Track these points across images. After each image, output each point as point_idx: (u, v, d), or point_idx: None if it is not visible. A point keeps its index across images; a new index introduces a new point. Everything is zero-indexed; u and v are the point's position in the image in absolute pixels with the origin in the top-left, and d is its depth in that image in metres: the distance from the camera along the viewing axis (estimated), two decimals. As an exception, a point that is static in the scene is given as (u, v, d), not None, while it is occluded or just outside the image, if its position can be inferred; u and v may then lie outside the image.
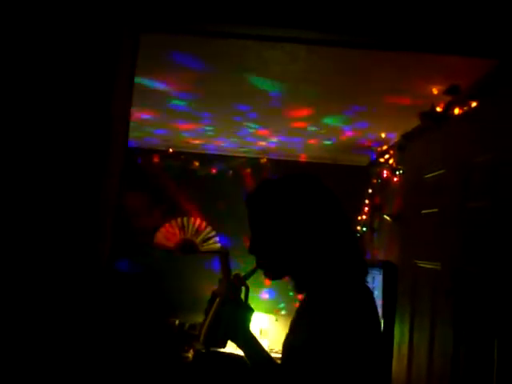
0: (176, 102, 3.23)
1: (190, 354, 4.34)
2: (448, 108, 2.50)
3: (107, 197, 1.59)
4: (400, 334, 2.42)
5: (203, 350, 4.44)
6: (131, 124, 3.73)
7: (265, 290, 5.03)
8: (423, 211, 2.24)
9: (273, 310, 4.95)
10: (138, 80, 2.72)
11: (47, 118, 1.53)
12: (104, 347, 1.55)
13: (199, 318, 4.57)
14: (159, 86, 2.90)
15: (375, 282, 3.47)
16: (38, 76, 1.54)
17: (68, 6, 1.57)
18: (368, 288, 1.21)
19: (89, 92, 1.56)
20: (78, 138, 1.53)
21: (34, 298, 1.47)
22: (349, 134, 3.77)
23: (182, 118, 3.71)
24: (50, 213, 1.50)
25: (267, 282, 4.92)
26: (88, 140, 1.54)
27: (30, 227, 1.49)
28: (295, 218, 1.21)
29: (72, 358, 1.46)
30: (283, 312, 4.96)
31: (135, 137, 4.38)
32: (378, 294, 3.34)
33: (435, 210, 2.13)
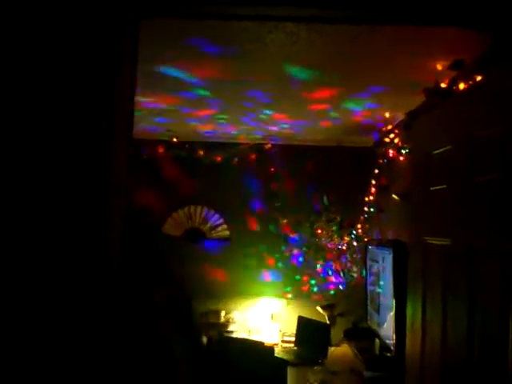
0: (188, 89, 3.21)
1: (204, 341, 4.38)
2: (453, 83, 2.49)
3: (114, 194, 1.59)
4: (412, 311, 2.43)
5: (216, 337, 4.50)
6: (136, 114, 3.74)
7: (268, 272, 5.05)
8: (431, 188, 2.23)
9: (280, 293, 4.98)
10: (149, 68, 2.73)
11: (48, 110, 1.52)
12: (116, 348, 1.56)
13: (210, 305, 4.64)
14: (172, 72, 2.89)
15: (385, 261, 3.48)
16: (38, 67, 1.53)
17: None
18: None
19: (90, 83, 1.56)
20: (81, 132, 1.53)
21: (38, 296, 1.47)
22: (356, 115, 3.75)
23: (191, 106, 3.70)
24: (56, 209, 1.50)
25: (273, 265, 4.94)
26: (91, 132, 1.54)
27: (34, 223, 1.49)
28: None
29: (82, 359, 1.46)
30: (290, 296, 4.98)
31: (139, 127, 4.38)
32: (387, 274, 3.35)
33: (443, 186, 2.12)
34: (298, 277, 4.95)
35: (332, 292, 4.91)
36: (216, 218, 5.03)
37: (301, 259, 4.96)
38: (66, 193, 1.51)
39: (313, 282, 4.93)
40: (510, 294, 1.58)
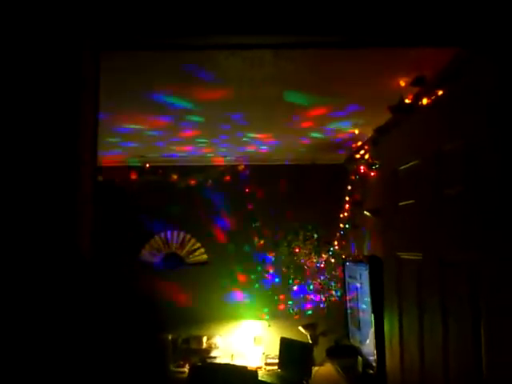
0: (166, 112, 3.21)
1: (186, 369, 4.30)
2: (416, 99, 2.53)
3: (81, 207, 1.57)
4: (390, 327, 2.43)
5: (199, 363, 4.42)
6: (105, 140, 3.70)
7: (245, 293, 5.01)
8: (400, 203, 2.25)
9: (259, 314, 4.93)
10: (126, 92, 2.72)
11: (11, 143, 1.51)
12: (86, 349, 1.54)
13: (192, 331, 4.57)
14: (149, 96, 2.89)
15: (362, 277, 3.49)
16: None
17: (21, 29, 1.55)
18: None
19: (52, 110, 1.55)
20: (44, 154, 1.52)
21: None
22: (327, 134, 3.79)
23: (166, 129, 3.70)
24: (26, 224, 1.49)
25: (247, 283, 4.91)
26: (54, 157, 1.52)
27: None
28: None
29: (50, 353, 1.44)
30: (266, 317, 4.93)
31: (110, 152, 4.34)
32: (366, 289, 3.35)
33: (412, 201, 2.15)
34: (275, 297, 4.92)
35: (310, 312, 4.88)
36: (193, 243, 4.99)
37: (277, 280, 4.94)
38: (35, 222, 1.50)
39: (290, 302, 4.90)
40: (480, 305, 1.60)
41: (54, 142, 1.54)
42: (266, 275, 4.95)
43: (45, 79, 1.56)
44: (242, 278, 4.94)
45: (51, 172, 1.54)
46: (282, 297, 4.93)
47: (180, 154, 4.63)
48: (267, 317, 4.86)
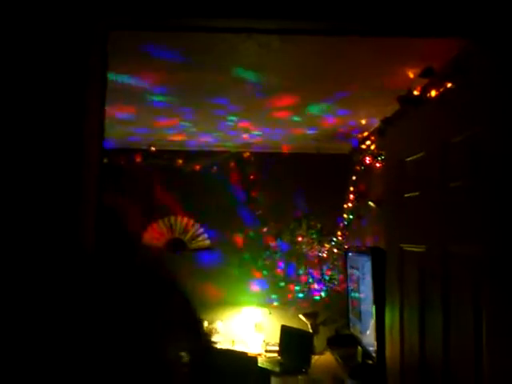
0: (153, 97, 3.21)
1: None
2: (425, 90, 2.51)
3: (87, 195, 1.57)
4: (391, 318, 2.44)
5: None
6: (110, 123, 3.70)
7: (255, 281, 5.03)
8: (405, 195, 2.24)
9: (265, 302, 4.96)
10: (113, 77, 2.71)
11: (16, 120, 1.51)
12: (89, 342, 1.54)
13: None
14: (135, 81, 2.88)
15: (365, 268, 3.49)
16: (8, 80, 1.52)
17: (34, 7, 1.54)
18: None
19: (59, 93, 1.54)
20: (50, 141, 1.51)
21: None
22: (330, 122, 3.77)
23: (161, 115, 3.69)
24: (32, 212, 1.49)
25: (257, 274, 4.93)
26: (61, 142, 1.52)
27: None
28: None
29: (51, 350, 1.45)
30: (275, 303, 4.96)
31: (115, 136, 4.35)
32: (368, 280, 3.36)
33: (417, 193, 2.14)
34: (282, 283, 4.94)
35: (317, 298, 4.90)
36: (196, 228, 5.00)
37: (283, 266, 4.95)
38: (40, 207, 1.50)
39: (297, 288, 4.92)
40: (483, 298, 1.60)
41: (59, 127, 1.54)
42: (272, 262, 4.97)
43: (50, 63, 1.55)
44: (247, 264, 4.96)
45: (55, 159, 1.53)
46: (290, 285, 4.95)
47: (183, 140, 4.62)
48: (275, 303, 4.88)
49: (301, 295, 4.91)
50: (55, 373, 1.43)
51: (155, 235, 5.00)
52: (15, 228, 1.49)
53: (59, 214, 1.51)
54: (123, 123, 3.91)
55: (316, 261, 4.93)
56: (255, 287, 4.95)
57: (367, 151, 3.91)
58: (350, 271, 4.19)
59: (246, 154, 4.97)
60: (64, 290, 1.48)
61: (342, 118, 3.66)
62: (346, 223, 4.64)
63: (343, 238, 4.77)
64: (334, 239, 4.84)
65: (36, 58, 1.54)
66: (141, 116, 3.72)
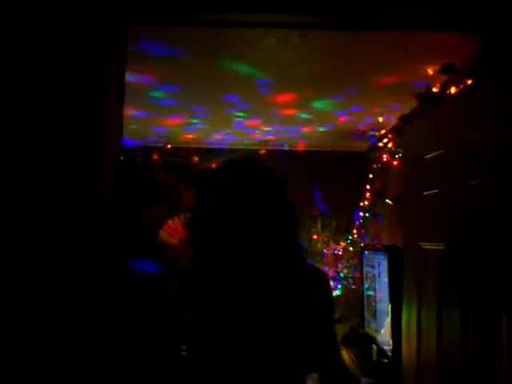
0: (162, 95, 3.21)
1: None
2: (444, 87, 2.49)
3: (103, 193, 1.58)
4: (407, 317, 2.42)
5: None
6: (126, 122, 3.72)
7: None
8: (424, 192, 2.23)
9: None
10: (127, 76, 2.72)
11: (37, 115, 1.53)
12: (107, 344, 1.56)
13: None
14: (139, 79, 2.88)
15: (381, 266, 3.47)
16: (26, 72, 1.53)
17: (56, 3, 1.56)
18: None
19: (79, 89, 1.56)
20: (69, 136, 1.53)
21: (25, 289, 1.47)
22: (344, 119, 3.75)
23: (173, 113, 3.70)
24: (47, 208, 1.51)
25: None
26: (80, 137, 1.53)
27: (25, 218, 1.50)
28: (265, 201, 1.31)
29: (69, 356, 1.46)
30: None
31: (131, 135, 4.37)
32: (383, 279, 3.34)
33: (436, 190, 2.12)
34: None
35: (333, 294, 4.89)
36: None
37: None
38: (58, 197, 1.52)
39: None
40: (503, 297, 1.58)
41: (78, 122, 1.55)
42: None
43: (72, 53, 1.57)
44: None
45: (74, 153, 1.54)
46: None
47: (199, 137, 4.63)
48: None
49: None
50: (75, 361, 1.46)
51: (171, 232, 5.02)
52: (34, 220, 1.51)
53: (77, 208, 1.52)
54: (139, 121, 3.93)
55: (331, 259, 4.92)
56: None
57: (384, 149, 3.88)
58: (365, 269, 4.17)
59: (262, 152, 4.97)
60: (80, 283, 1.49)
61: (357, 115, 3.64)
62: (361, 221, 4.61)
63: (359, 236, 4.74)
64: (350, 237, 4.82)
65: (58, 52, 1.56)
66: (155, 114, 3.73)
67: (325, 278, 1.44)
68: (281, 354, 1.24)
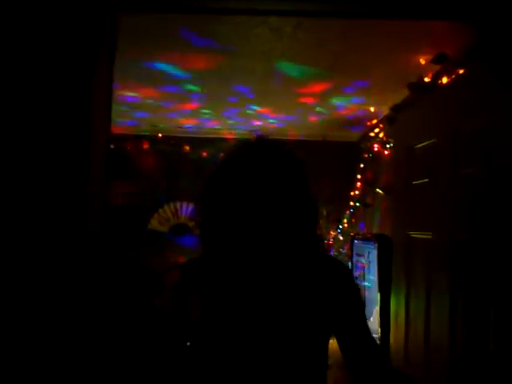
0: (173, 82, 3.18)
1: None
2: (436, 77, 2.49)
3: (93, 186, 1.57)
4: (396, 305, 2.44)
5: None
6: (119, 108, 3.68)
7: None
8: (414, 182, 2.23)
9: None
10: (127, 60, 2.70)
11: (25, 102, 1.50)
12: (95, 328, 1.55)
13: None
14: (156, 65, 2.86)
15: (370, 256, 3.48)
16: (13, 60, 1.51)
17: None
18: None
19: (68, 77, 1.54)
20: (58, 124, 1.51)
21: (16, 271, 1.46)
22: (341, 110, 3.75)
23: (177, 100, 3.67)
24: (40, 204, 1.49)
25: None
26: (69, 126, 1.52)
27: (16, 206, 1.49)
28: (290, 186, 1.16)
29: (58, 338, 1.46)
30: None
31: (121, 122, 4.33)
32: (373, 268, 3.35)
33: (426, 180, 2.13)
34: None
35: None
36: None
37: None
38: (47, 187, 1.50)
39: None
40: (492, 286, 1.59)
41: (67, 106, 1.53)
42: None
43: (62, 41, 1.54)
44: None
45: (62, 142, 1.52)
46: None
47: (189, 125, 4.60)
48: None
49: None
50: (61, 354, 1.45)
51: (161, 220, 5.02)
52: (22, 208, 1.49)
53: (66, 195, 1.51)
54: (132, 107, 3.89)
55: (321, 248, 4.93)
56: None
57: (376, 139, 3.88)
58: (355, 258, 4.19)
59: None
60: (69, 273, 1.48)
61: (351, 106, 3.63)
62: (352, 210, 4.63)
63: (349, 226, 4.76)
64: (340, 226, 4.83)
65: (47, 39, 1.53)
66: (155, 100, 3.70)
67: (350, 272, 1.28)
68: (298, 359, 1.11)
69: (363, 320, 1.24)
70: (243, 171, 1.12)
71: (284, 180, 1.13)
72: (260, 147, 1.19)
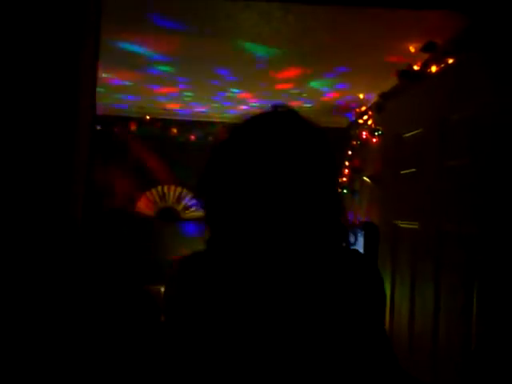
0: (153, 65, 3.14)
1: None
2: (425, 66, 2.47)
3: (77, 164, 1.55)
4: (381, 293, 2.46)
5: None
6: (104, 91, 3.62)
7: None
8: (402, 171, 2.24)
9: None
10: (114, 43, 2.65)
11: (13, 76, 1.47)
12: (77, 311, 1.54)
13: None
14: (137, 49, 2.81)
15: (356, 243, 3.50)
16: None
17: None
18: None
19: (54, 56, 1.50)
20: (44, 104, 1.48)
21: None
22: (329, 95, 3.73)
23: (159, 83, 3.63)
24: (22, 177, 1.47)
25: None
26: (54, 106, 1.49)
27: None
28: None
29: (39, 321, 1.45)
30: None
31: (108, 104, 4.27)
32: (359, 255, 3.37)
33: (413, 169, 2.13)
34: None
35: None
36: (189, 198, 4.99)
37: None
38: (31, 171, 1.48)
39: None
40: (475, 276, 1.60)
41: (51, 87, 1.50)
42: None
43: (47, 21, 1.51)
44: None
45: (47, 121, 1.49)
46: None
47: (175, 108, 4.55)
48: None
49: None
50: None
51: (148, 204, 4.99)
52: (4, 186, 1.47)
53: (49, 178, 1.49)
54: (120, 90, 3.84)
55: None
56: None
57: (364, 126, 3.88)
58: (341, 245, 4.20)
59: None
60: (52, 258, 1.47)
61: (340, 92, 3.62)
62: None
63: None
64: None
65: (32, 12, 1.50)
66: (138, 83, 3.65)
67: (376, 267, 1.00)
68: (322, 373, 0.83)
69: (384, 331, 0.97)
70: (261, 146, 0.89)
71: (313, 160, 0.92)
72: (285, 118, 0.96)
